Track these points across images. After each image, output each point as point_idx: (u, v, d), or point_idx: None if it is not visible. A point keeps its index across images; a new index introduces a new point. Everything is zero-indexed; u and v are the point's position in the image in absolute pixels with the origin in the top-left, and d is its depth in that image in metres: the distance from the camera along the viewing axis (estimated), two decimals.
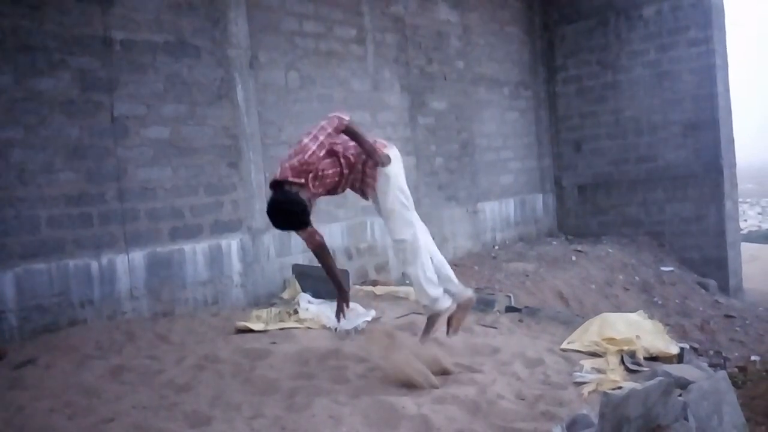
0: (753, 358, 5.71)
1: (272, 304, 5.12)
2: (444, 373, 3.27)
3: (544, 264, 7.46)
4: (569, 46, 9.46)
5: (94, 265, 4.55)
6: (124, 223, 4.72)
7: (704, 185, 8.42)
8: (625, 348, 3.56)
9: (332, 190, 3.32)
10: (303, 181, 3.03)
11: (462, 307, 3.60)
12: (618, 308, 6.49)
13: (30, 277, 4.24)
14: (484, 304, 5.11)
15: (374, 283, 6.01)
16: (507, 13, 8.97)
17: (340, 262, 5.73)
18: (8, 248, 4.17)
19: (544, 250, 8.20)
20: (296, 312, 4.66)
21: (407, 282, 6.70)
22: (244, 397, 3.09)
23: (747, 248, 10.89)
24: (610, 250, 8.29)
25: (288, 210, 3.01)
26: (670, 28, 8.57)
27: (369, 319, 4.46)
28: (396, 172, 3.28)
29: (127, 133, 4.77)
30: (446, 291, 3.49)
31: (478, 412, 2.83)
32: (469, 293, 3.63)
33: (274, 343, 4.00)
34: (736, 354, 6.32)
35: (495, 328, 4.44)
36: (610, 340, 3.68)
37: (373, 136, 3.32)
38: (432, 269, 3.40)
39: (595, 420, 2.42)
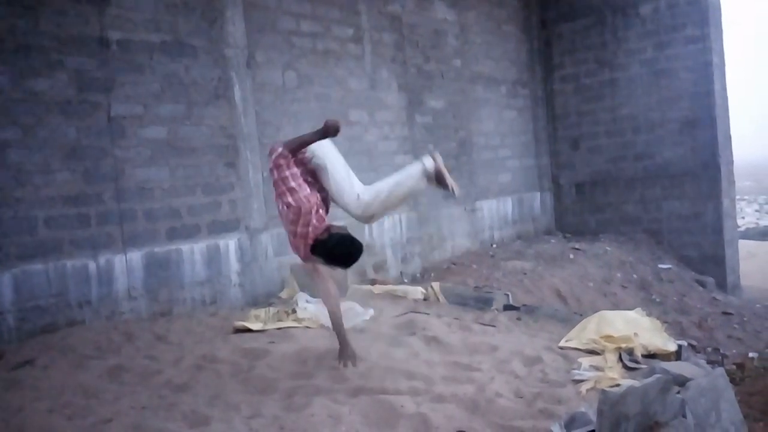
0: (751, 354, 5.71)
1: (270, 304, 5.12)
2: None
3: (542, 262, 7.47)
4: (566, 44, 9.46)
5: (92, 265, 4.55)
6: (121, 223, 4.72)
7: (702, 183, 8.42)
8: (623, 345, 3.58)
9: (326, 203, 3.54)
10: (324, 216, 3.34)
11: (438, 170, 3.57)
12: (616, 306, 6.50)
13: (27, 277, 4.23)
14: (483, 303, 5.12)
15: (372, 282, 6.00)
16: (504, 11, 8.97)
17: None
18: (5, 249, 4.16)
19: (542, 249, 8.21)
20: (294, 311, 4.66)
21: (405, 281, 6.74)
22: (242, 397, 3.10)
23: (744, 245, 10.90)
24: (608, 248, 8.30)
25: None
26: (667, 25, 8.57)
27: (367, 318, 4.47)
28: (328, 158, 3.46)
29: (124, 133, 4.76)
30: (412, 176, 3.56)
31: (476, 411, 2.84)
32: (428, 161, 3.58)
33: (273, 342, 4.00)
34: (734, 351, 6.32)
35: (493, 326, 4.45)
36: (608, 338, 3.70)
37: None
38: (390, 180, 3.57)
39: (594, 417, 2.43)
